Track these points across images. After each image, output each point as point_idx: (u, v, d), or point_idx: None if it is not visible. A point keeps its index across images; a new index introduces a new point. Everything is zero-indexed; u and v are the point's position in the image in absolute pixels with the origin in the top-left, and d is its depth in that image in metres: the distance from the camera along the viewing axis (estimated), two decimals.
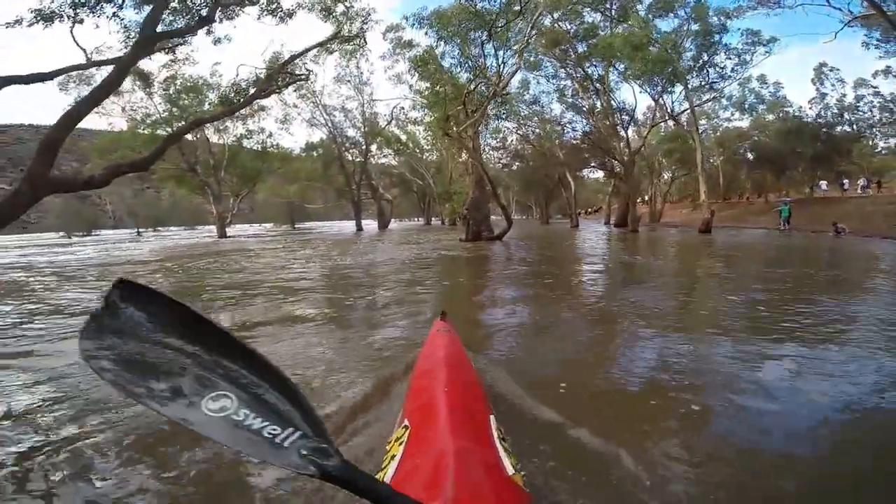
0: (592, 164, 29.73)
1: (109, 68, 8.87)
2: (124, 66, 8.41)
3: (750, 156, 30.39)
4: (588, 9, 19.42)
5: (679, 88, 20.29)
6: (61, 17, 9.84)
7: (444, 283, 6.96)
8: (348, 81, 30.33)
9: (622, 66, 19.39)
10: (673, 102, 23.02)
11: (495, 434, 1.14)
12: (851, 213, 18.20)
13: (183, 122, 20.38)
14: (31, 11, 9.56)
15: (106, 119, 24.36)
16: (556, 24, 19.84)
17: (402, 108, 30.12)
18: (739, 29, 20.15)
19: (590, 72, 21.19)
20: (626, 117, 23.33)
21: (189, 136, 26.43)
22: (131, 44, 9.74)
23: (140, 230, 46.21)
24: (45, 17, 9.67)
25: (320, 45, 18.07)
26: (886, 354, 3.00)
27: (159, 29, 9.76)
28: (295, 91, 26.94)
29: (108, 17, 10.66)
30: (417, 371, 1.72)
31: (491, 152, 31.66)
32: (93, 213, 50.23)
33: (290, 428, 0.57)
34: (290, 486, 1.54)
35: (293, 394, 0.61)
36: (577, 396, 2.38)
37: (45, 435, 2.02)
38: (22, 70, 8.07)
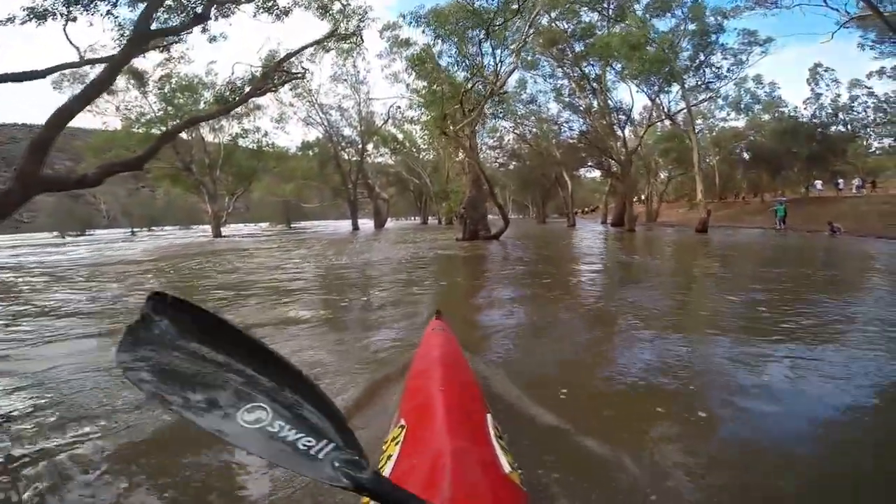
0: (589, 164, 29.71)
1: (103, 67, 8.76)
2: (117, 64, 8.29)
3: (746, 155, 30.51)
4: (585, 8, 19.41)
5: (675, 88, 20.35)
6: (54, 14, 9.69)
7: (441, 284, 6.91)
8: (345, 80, 30.25)
9: (619, 65, 19.38)
10: (669, 102, 23.08)
11: (492, 432, 1.13)
12: (846, 213, 18.27)
13: (178, 122, 20.20)
14: (24, 9, 9.42)
15: (100, 118, 24.16)
16: (553, 24, 19.81)
17: (399, 107, 30.11)
18: (736, 29, 20.22)
19: (587, 71, 21.17)
20: (623, 117, 23.36)
21: (184, 135, 26.28)
22: (125, 42, 9.63)
23: (134, 230, 45.93)
24: (38, 14, 9.52)
25: (317, 43, 17.96)
26: (887, 355, 2.99)
27: (154, 27, 9.65)
28: (291, 90, 26.85)
29: (101, 14, 10.52)
30: (413, 370, 1.71)
31: (488, 151, 31.66)
32: (87, 213, 49.82)
33: (325, 440, 0.57)
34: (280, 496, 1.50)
35: (326, 405, 0.61)
36: (576, 398, 2.35)
37: (23, 445, 1.94)
38: (18, 69, 7.93)
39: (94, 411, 2.26)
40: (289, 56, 16.28)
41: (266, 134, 29.10)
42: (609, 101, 22.57)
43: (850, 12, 15.24)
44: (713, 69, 20.67)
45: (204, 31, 13.25)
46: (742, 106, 27.30)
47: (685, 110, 20.06)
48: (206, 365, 0.60)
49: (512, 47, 16.12)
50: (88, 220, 47.45)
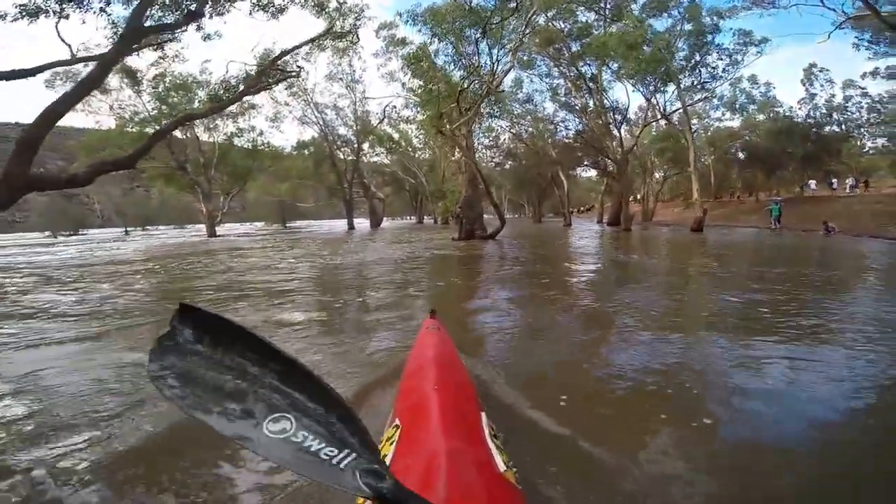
0: (585, 163, 29.79)
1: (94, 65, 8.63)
2: (108, 62, 8.19)
3: (741, 155, 30.65)
4: (582, 7, 19.38)
5: (671, 88, 20.38)
6: (47, 12, 9.55)
7: (438, 284, 6.84)
8: (340, 79, 30.17)
9: (616, 65, 19.38)
10: (665, 102, 23.12)
11: (487, 432, 1.14)
12: (840, 213, 18.38)
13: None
14: (16, 6, 9.27)
15: (94, 117, 23.92)
16: (550, 23, 19.78)
17: (395, 106, 30.03)
18: (731, 29, 20.24)
19: (583, 71, 21.17)
20: (619, 116, 23.39)
21: (178, 135, 26.13)
22: (117, 39, 9.50)
23: (128, 229, 45.54)
24: (30, 12, 9.37)
25: (312, 41, 17.86)
26: (886, 356, 2.98)
27: (148, 24, 9.53)
28: (286, 89, 26.74)
29: (95, 12, 10.38)
30: (408, 370, 1.71)
31: (484, 151, 31.59)
32: (80, 213, 49.46)
33: (347, 450, 0.58)
34: None
35: (349, 416, 0.62)
36: (575, 402, 2.30)
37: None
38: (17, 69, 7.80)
39: (75, 420, 2.18)
40: (284, 54, 16.16)
41: (261, 133, 29.01)
42: (605, 101, 22.60)
43: (846, 12, 15.28)
44: (709, 69, 20.70)
45: (198, 29, 13.12)
46: (737, 106, 27.39)
47: (681, 110, 20.09)
48: (233, 375, 0.61)
49: (508, 46, 16.08)
50: (82, 220, 47.05)
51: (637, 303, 4.85)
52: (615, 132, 22.93)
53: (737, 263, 8.52)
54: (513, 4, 14.15)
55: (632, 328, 3.76)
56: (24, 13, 9.38)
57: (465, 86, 15.60)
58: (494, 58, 15.58)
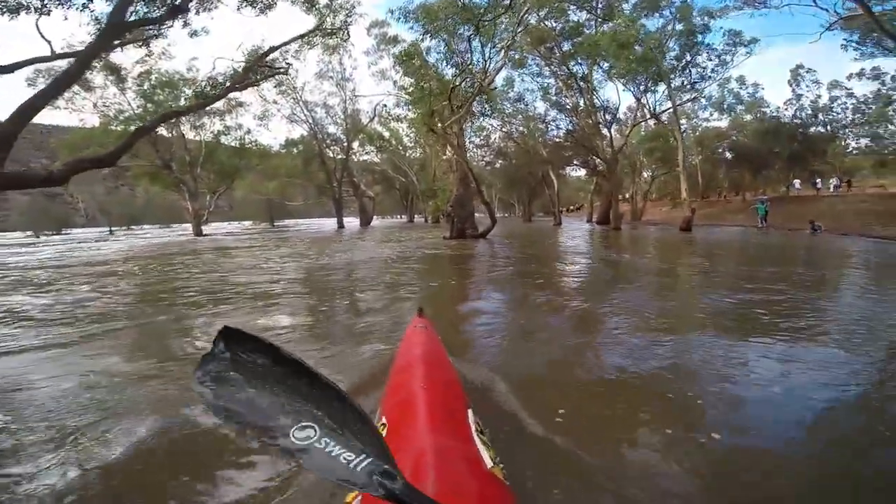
0: (575, 162, 29.84)
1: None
2: (87, 57, 7.93)
3: (728, 155, 30.97)
4: (574, 7, 19.38)
5: (661, 88, 20.50)
6: (28, 8, 9.25)
7: (430, 285, 6.72)
8: (330, 77, 29.91)
9: (607, 64, 19.43)
10: (656, 102, 23.26)
11: (473, 428, 1.15)
12: (825, 212, 18.65)
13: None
14: None
15: (77, 115, 23.33)
16: (542, 23, 19.75)
17: (385, 105, 29.85)
18: (722, 28, 20.42)
19: (574, 70, 21.19)
20: (609, 116, 23.47)
21: (164, 133, 25.66)
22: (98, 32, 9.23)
23: (112, 229, 44.69)
24: (11, 8, 9.07)
25: (302, 37, 17.60)
26: (887, 356, 2.99)
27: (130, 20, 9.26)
28: (275, 87, 26.40)
29: (77, 8, 10.07)
30: (395, 368, 1.71)
31: (475, 150, 31.55)
32: (64, 212, 48.36)
33: (363, 454, 0.63)
34: None
35: (366, 424, 0.68)
36: (570, 400, 2.22)
37: None
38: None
39: (38, 436, 2.03)
40: (272, 50, 15.89)
41: (249, 131, 28.65)
42: (596, 100, 22.67)
43: (839, 12, 15.40)
44: (699, 69, 20.87)
45: (185, 25, 12.84)
46: (725, 106, 27.70)
47: (670, 110, 20.21)
48: (266, 389, 0.69)
49: (501, 45, 16.01)
50: (65, 219, 46.06)
51: (630, 303, 4.80)
52: (605, 132, 23.03)
53: (728, 263, 8.55)
54: (506, 2, 14.07)
55: (626, 330, 3.70)
56: (4, 9, 9.09)
57: (458, 83, 15.50)
58: (487, 56, 15.52)
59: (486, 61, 15.56)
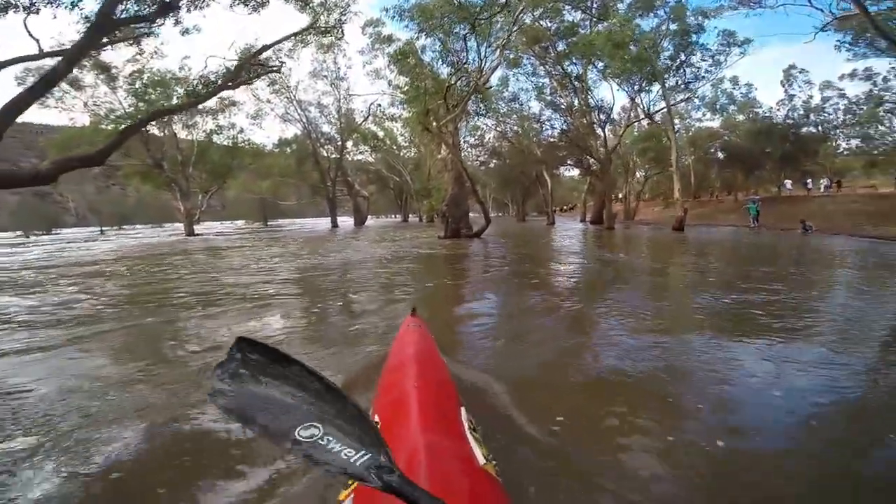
0: (569, 162, 29.94)
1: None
2: (74, 55, 7.79)
3: (721, 155, 31.19)
4: (569, 7, 19.40)
5: (655, 88, 20.56)
6: (16, 7, 9.10)
7: (426, 286, 6.65)
8: (324, 76, 29.77)
9: (601, 64, 19.48)
10: (650, 102, 23.36)
11: (466, 426, 1.16)
12: (816, 212, 18.84)
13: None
14: None
15: (67, 115, 23.00)
16: (537, 22, 19.75)
17: (380, 104, 29.75)
18: (716, 28, 20.54)
19: (569, 70, 21.22)
20: (603, 116, 23.54)
21: (156, 132, 25.41)
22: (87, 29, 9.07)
23: (103, 228, 44.22)
24: None
25: (295, 35, 17.48)
26: (886, 356, 3.00)
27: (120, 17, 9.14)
28: (268, 86, 26.24)
29: (66, 7, 9.92)
30: (388, 367, 1.72)
31: (469, 150, 31.54)
32: (54, 211, 47.93)
33: (363, 450, 0.68)
34: None
35: (364, 421, 0.73)
36: (565, 400, 2.18)
37: None
38: None
39: (16, 443, 1.96)
40: (265, 48, 15.79)
41: (242, 130, 28.46)
42: (590, 100, 22.72)
43: (834, 13, 15.49)
44: (693, 69, 20.98)
45: (176, 23, 12.68)
46: (718, 106, 27.89)
47: (664, 110, 20.30)
48: (275, 391, 0.74)
49: (496, 44, 15.98)
50: (55, 219, 45.62)
51: (625, 303, 4.78)
52: (599, 131, 23.08)
53: (722, 262, 8.58)
54: (502, 0, 14.04)
55: (623, 331, 3.68)
56: None
57: (453, 82, 15.45)
58: (482, 55, 15.49)
59: (481, 60, 15.55)
